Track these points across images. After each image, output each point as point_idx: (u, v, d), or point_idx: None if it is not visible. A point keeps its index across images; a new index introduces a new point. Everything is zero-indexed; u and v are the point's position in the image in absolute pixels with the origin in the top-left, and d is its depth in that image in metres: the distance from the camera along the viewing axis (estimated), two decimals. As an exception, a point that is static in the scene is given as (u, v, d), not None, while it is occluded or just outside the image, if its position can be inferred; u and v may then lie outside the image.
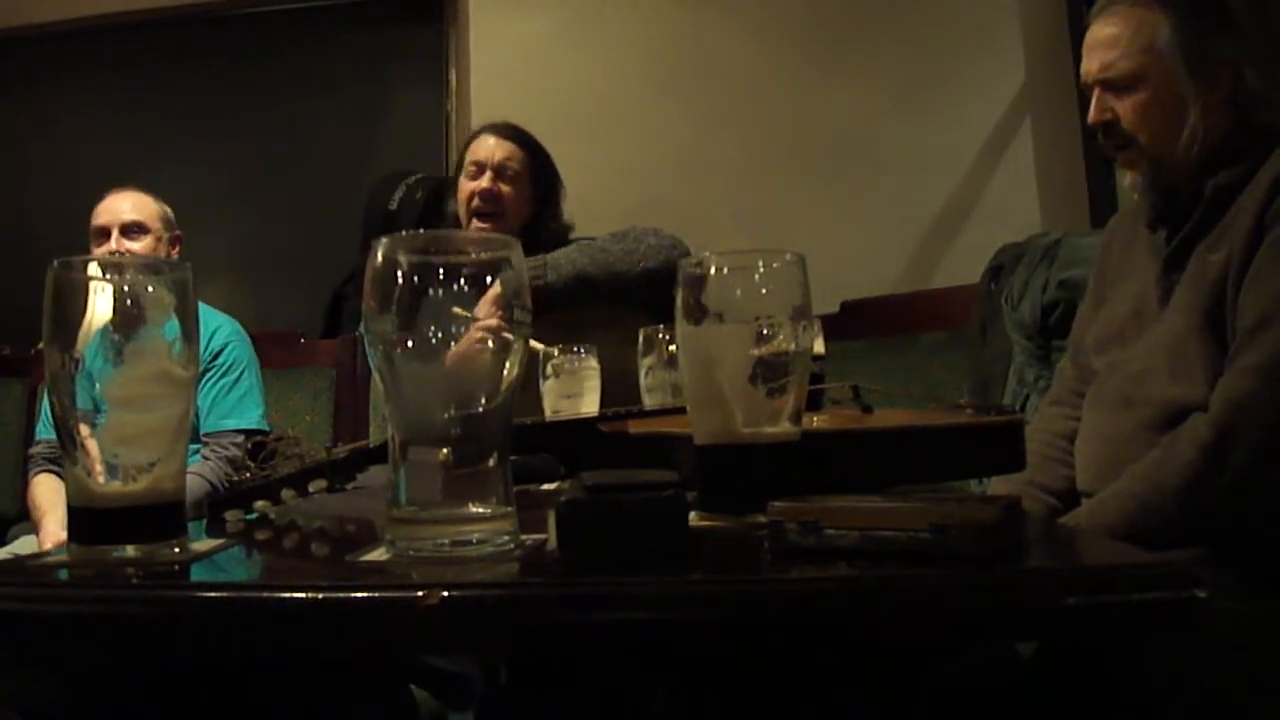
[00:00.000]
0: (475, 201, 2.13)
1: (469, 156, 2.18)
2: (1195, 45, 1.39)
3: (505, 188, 2.13)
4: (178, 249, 2.51)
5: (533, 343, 1.72)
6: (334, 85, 3.61)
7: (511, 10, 3.34)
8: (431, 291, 0.70)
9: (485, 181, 2.13)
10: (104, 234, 2.40)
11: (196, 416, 2.37)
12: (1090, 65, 1.45)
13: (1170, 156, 1.40)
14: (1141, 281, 1.47)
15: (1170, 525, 1.26)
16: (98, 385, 0.76)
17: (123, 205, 2.43)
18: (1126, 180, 1.47)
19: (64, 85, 3.72)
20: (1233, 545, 1.25)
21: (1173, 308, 1.38)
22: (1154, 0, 1.40)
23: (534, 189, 2.19)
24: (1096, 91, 1.44)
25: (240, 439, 2.33)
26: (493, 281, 0.71)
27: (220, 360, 2.43)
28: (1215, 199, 1.37)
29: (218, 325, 2.48)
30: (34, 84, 3.75)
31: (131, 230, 2.40)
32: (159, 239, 2.44)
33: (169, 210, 2.51)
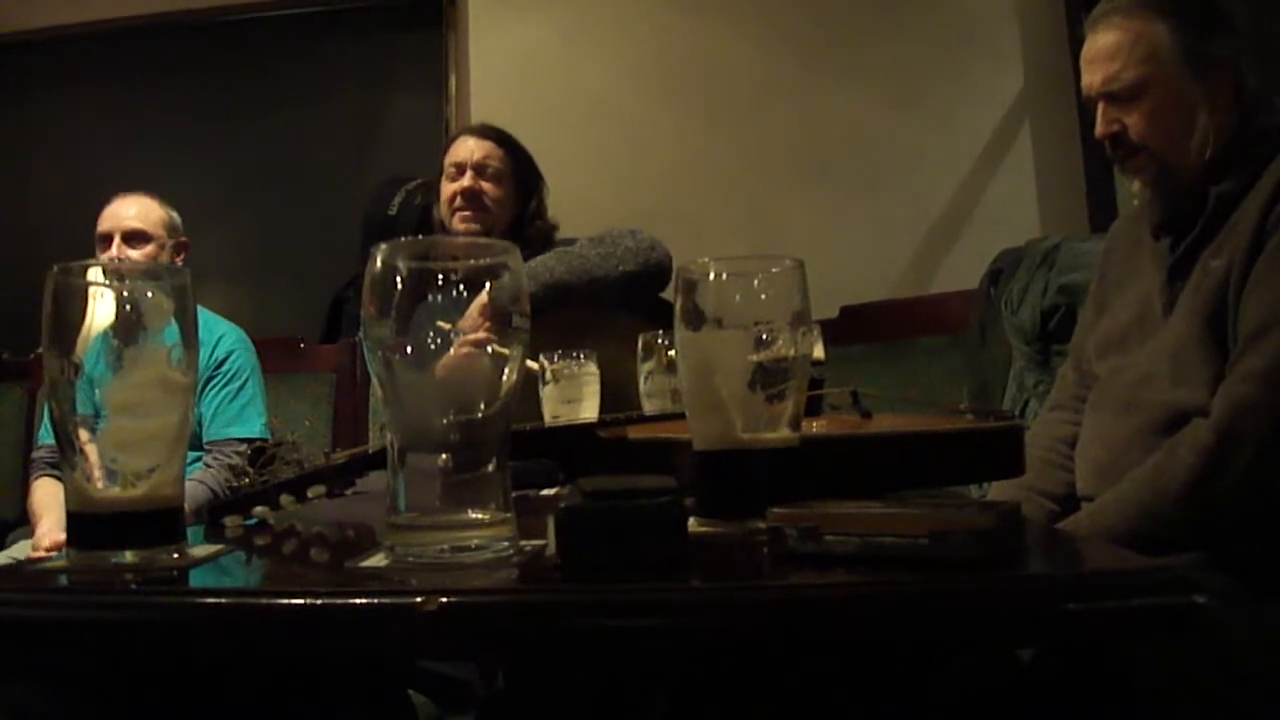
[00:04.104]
0: (458, 201, 2.13)
1: (448, 159, 2.19)
2: (1195, 48, 1.39)
3: (487, 185, 2.14)
4: (182, 256, 2.49)
5: (528, 362, 1.73)
6: (334, 90, 3.61)
7: (511, 16, 3.34)
8: (429, 298, 0.70)
9: (466, 180, 2.13)
10: (107, 240, 2.39)
11: (199, 424, 2.36)
12: (1092, 79, 1.43)
13: (1183, 161, 1.39)
14: (1145, 289, 1.46)
15: (1171, 529, 1.26)
16: (97, 391, 0.76)
17: (127, 211, 2.41)
18: (1135, 186, 1.47)
19: (65, 91, 3.73)
20: (1234, 549, 1.25)
21: (1175, 314, 1.38)
22: (1148, 7, 1.40)
23: (516, 187, 2.19)
24: (1101, 104, 1.43)
25: (243, 448, 2.32)
26: (492, 288, 0.72)
27: (224, 368, 2.42)
28: (1219, 206, 1.37)
29: (222, 333, 2.47)
30: (35, 90, 3.75)
31: (133, 238, 2.39)
32: (162, 246, 2.42)
33: (175, 216, 2.49)
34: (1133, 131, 1.41)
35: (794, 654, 0.66)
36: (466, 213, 2.12)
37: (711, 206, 3.14)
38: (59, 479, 2.26)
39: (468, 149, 2.17)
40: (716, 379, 0.80)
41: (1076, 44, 1.51)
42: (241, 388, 2.43)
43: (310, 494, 1.02)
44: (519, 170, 2.20)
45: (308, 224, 3.52)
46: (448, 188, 2.16)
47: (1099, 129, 1.44)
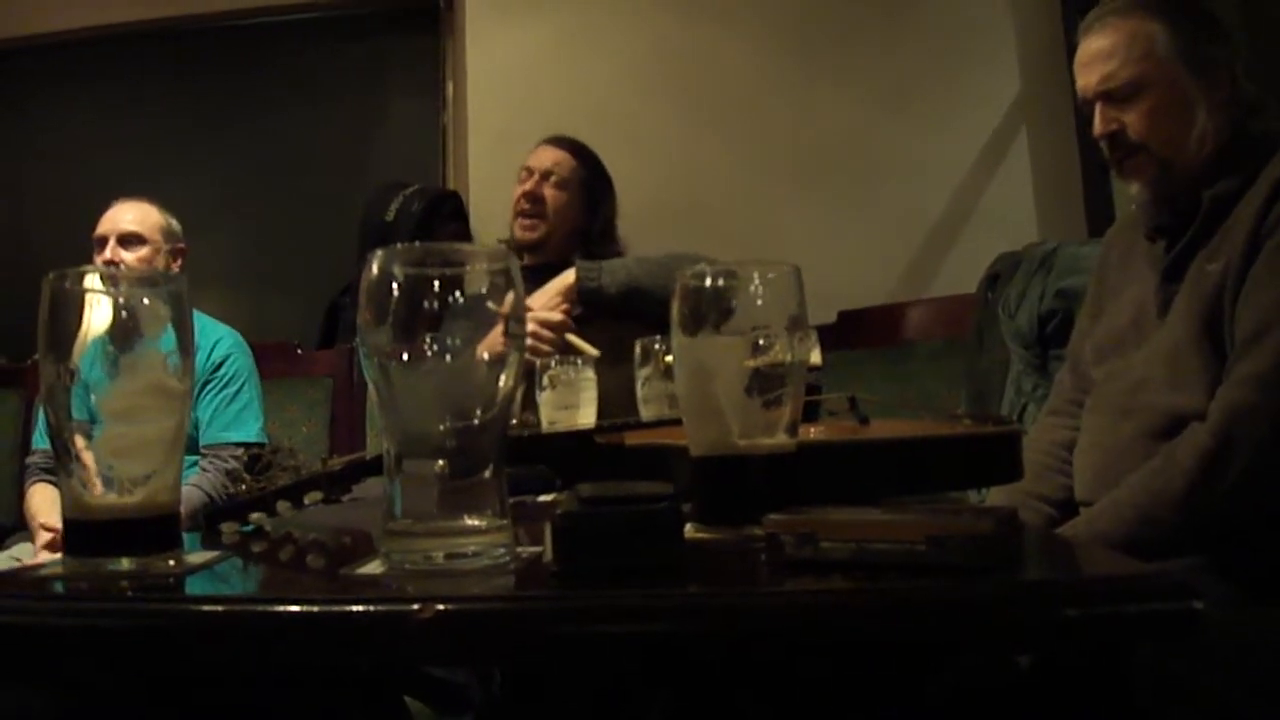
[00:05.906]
0: (520, 203, 2.24)
1: (523, 164, 2.31)
2: (1191, 48, 1.39)
3: (550, 191, 2.24)
4: (179, 262, 2.49)
5: (580, 343, 1.74)
6: (331, 96, 3.61)
7: (508, 21, 3.34)
8: (425, 304, 0.70)
9: (530, 184, 2.25)
10: (102, 242, 2.40)
11: (195, 428, 2.36)
12: (1088, 80, 1.44)
13: (1182, 159, 1.39)
14: (1140, 291, 1.47)
15: (1169, 534, 1.26)
16: (93, 397, 0.76)
17: (125, 215, 2.44)
18: (1133, 189, 1.47)
19: (61, 97, 3.72)
20: (1232, 554, 1.25)
21: (1171, 317, 1.38)
22: (1144, 9, 1.40)
23: (583, 195, 2.29)
24: (1099, 104, 1.43)
25: (239, 452, 2.32)
26: (487, 294, 0.71)
27: (221, 372, 2.42)
28: (1213, 209, 1.37)
29: (219, 337, 2.47)
30: (31, 95, 3.75)
31: (128, 241, 2.40)
32: (157, 251, 2.43)
33: (174, 223, 2.51)
34: (1132, 130, 1.41)
35: (791, 660, 0.66)
36: (526, 216, 2.23)
37: (709, 211, 3.14)
38: (54, 484, 2.27)
39: (540, 156, 2.30)
40: (713, 385, 0.79)
41: (1073, 48, 1.51)
42: (238, 392, 2.43)
43: (307, 500, 1.02)
44: (588, 180, 2.30)
45: (305, 229, 3.52)
46: (516, 190, 2.28)
47: (1097, 128, 1.44)
